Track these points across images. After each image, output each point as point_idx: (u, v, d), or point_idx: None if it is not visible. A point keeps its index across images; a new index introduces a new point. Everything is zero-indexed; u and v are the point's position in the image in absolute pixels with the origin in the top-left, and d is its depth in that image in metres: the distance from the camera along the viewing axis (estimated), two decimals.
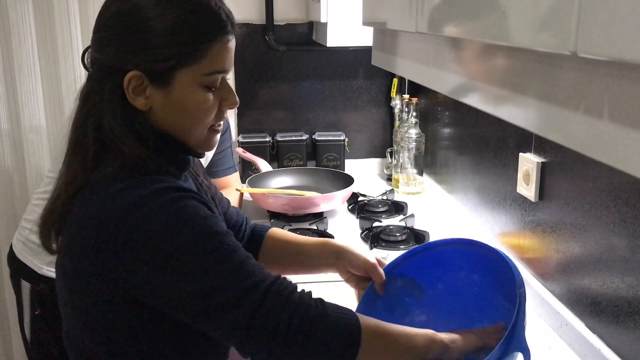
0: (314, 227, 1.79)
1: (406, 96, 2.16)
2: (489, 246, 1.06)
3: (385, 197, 2.07)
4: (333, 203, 1.90)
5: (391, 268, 1.15)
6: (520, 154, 1.41)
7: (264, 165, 2.11)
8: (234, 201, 1.76)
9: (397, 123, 2.25)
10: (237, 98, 1.00)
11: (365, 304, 1.12)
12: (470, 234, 1.60)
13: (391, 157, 2.26)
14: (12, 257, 1.64)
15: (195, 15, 0.92)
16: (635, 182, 1.02)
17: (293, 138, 2.32)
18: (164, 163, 0.94)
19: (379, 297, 1.13)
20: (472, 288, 1.10)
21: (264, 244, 1.23)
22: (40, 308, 1.58)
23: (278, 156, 2.31)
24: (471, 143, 1.78)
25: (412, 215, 1.85)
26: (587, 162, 1.16)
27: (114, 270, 0.86)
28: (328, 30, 1.94)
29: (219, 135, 1.03)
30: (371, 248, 1.66)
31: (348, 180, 1.98)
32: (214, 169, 1.79)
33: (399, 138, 2.14)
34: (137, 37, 0.90)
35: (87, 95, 0.95)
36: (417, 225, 1.81)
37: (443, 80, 1.05)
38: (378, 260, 1.15)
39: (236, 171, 1.88)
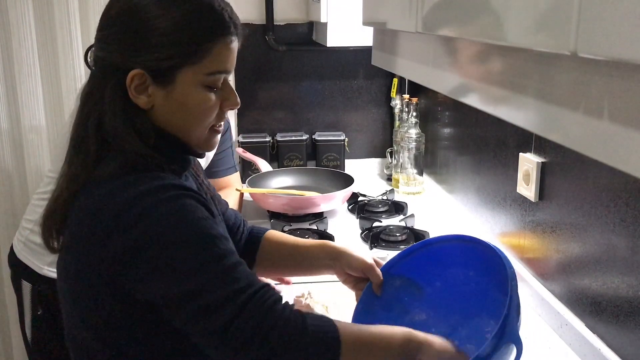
0: (314, 227, 1.79)
1: (406, 96, 2.16)
2: (483, 241, 1.06)
3: (385, 197, 2.07)
4: (333, 203, 1.90)
5: (388, 268, 1.15)
6: (520, 154, 1.41)
7: (264, 165, 2.11)
8: (234, 201, 1.77)
9: (397, 123, 2.25)
10: (239, 99, 1.00)
11: (364, 305, 1.12)
12: (470, 234, 1.59)
13: (391, 157, 2.26)
14: (12, 258, 1.64)
15: (198, 15, 0.92)
16: (635, 182, 1.02)
17: (293, 138, 2.32)
18: (164, 161, 0.94)
19: (377, 298, 1.13)
20: (469, 284, 1.10)
21: (261, 246, 1.24)
22: (41, 308, 1.58)
23: (278, 156, 2.31)
24: (471, 143, 1.78)
25: (412, 215, 1.85)
26: (587, 162, 1.16)
27: (112, 266, 0.87)
28: (328, 30, 1.94)
29: (219, 136, 1.03)
30: (371, 248, 1.66)
31: (348, 180, 1.98)
32: (215, 169, 1.79)
33: (399, 138, 2.14)
34: (140, 36, 0.91)
35: (89, 94, 0.95)
36: (417, 225, 1.81)
37: (443, 80, 1.05)
38: (375, 261, 1.15)
39: (237, 171, 1.88)
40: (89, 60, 0.98)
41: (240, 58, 1.00)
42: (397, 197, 2.09)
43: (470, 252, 1.08)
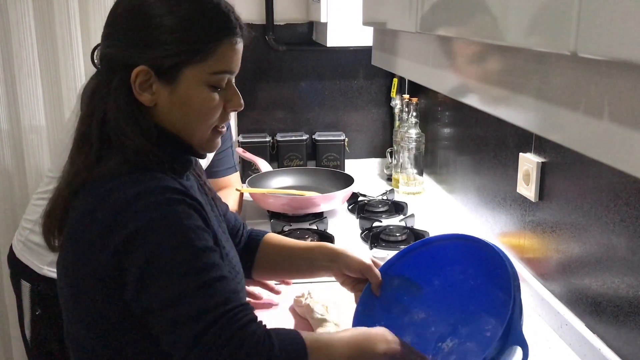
0: (314, 227, 1.79)
1: (406, 96, 2.16)
2: (481, 239, 1.06)
3: (385, 197, 2.07)
4: (333, 203, 1.90)
5: (386, 268, 1.15)
6: (520, 154, 1.41)
7: (264, 165, 2.11)
8: (234, 201, 1.77)
9: (397, 123, 2.25)
10: (242, 101, 1.00)
11: (363, 306, 1.12)
12: (470, 234, 1.59)
13: (391, 157, 2.26)
14: (12, 258, 1.64)
15: (205, 14, 0.93)
16: (635, 182, 1.02)
17: (293, 138, 2.32)
18: (165, 160, 0.94)
19: (376, 298, 1.13)
20: (468, 282, 1.10)
21: (260, 249, 1.24)
22: (40, 308, 1.58)
23: (278, 156, 2.31)
24: (471, 143, 1.78)
25: (412, 215, 1.85)
26: (587, 162, 1.16)
27: (105, 266, 0.87)
28: (328, 30, 1.94)
29: (220, 138, 1.03)
30: (371, 248, 1.66)
31: (348, 180, 1.98)
32: (215, 169, 1.79)
33: (399, 138, 2.14)
34: (146, 33, 0.92)
35: (95, 91, 0.96)
36: (417, 225, 1.81)
37: (443, 80, 1.05)
38: (373, 261, 1.15)
39: (237, 171, 1.88)
40: (95, 59, 0.99)
41: (241, 58, 1.00)
42: (397, 197, 2.09)
43: (468, 250, 1.09)
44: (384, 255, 1.53)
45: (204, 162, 1.71)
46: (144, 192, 0.87)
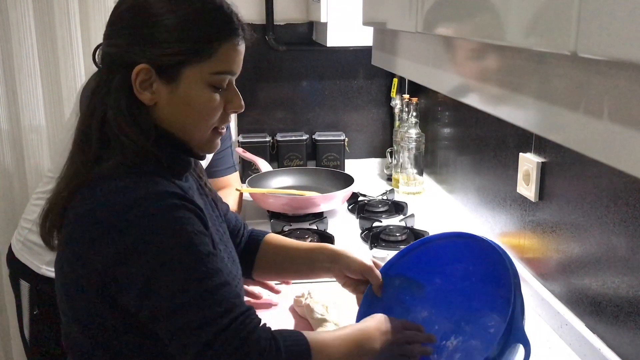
0: (314, 227, 1.79)
1: (406, 96, 2.16)
2: (481, 237, 1.06)
3: (385, 197, 2.07)
4: (333, 203, 1.90)
5: (387, 268, 1.15)
6: (520, 154, 1.41)
7: (264, 165, 2.11)
8: (234, 201, 1.77)
9: (397, 123, 2.25)
10: (243, 103, 1.00)
11: (366, 308, 1.12)
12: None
13: (391, 157, 2.25)
14: (10, 257, 1.64)
15: (207, 14, 0.93)
16: (635, 182, 1.02)
17: (293, 138, 2.32)
18: (164, 160, 0.94)
19: (378, 300, 1.13)
20: (469, 279, 1.10)
21: (260, 249, 1.24)
22: (39, 308, 1.58)
23: (278, 156, 2.31)
24: (471, 143, 1.78)
25: (412, 215, 1.85)
26: (587, 162, 1.16)
27: (101, 271, 0.87)
28: (328, 30, 1.94)
29: (220, 139, 1.03)
30: (371, 248, 1.66)
31: (348, 180, 1.98)
32: (214, 169, 1.79)
33: (399, 138, 2.14)
34: (148, 31, 0.91)
35: (95, 89, 0.96)
36: (417, 225, 1.81)
37: (443, 80, 1.05)
38: (374, 262, 1.15)
39: (236, 171, 1.88)
40: (97, 58, 0.99)
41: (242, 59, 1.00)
42: (397, 197, 2.09)
43: (468, 248, 1.09)
44: (384, 255, 1.53)
45: (204, 162, 1.71)
46: (143, 197, 0.87)
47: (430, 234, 1.70)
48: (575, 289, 1.22)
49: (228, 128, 1.85)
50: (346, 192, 1.92)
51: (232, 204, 1.74)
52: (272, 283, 1.37)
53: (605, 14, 0.50)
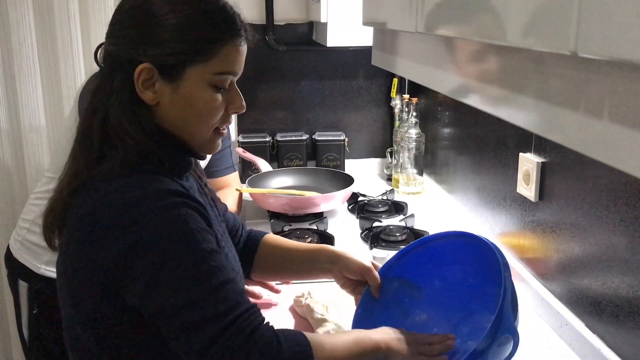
0: (314, 227, 1.79)
1: (406, 96, 2.16)
2: (476, 235, 1.06)
3: (385, 197, 2.07)
4: (333, 203, 1.90)
5: (385, 270, 1.15)
6: (520, 154, 1.41)
7: (264, 165, 2.11)
8: (233, 201, 1.77)
9: (397, 123, 2.25)
10: (244, 103, 1.00)
11: (363, 309, 1.12)
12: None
13: (391, 157, 2.26)
14: (9, 257, 1.64)
15: (210, 14, 0.94)
16: (635, 182, 1.02)
17: (293, 138, 2.32)
18: (166, 160, 0.94)
19: (376, 301, 1.13)
20: (467, 280, 1.10)
21: (259, 250, 1.24)
22: (38, 308, 1.58)
23: (278, 156, 2.31)
24: (471, 143, 1.78)
25: (412, 215, 1.85)
26: (587, 162, 1.16)
27: (105, 269, 0.87)
28: (328, 30, 1.94)
29: (220, 140, 1.04)
30: (371, 248, 1.66)
31: (348, 180, 1.98)
32: (213, 169, 1.79)
33: (399, 138, 2.14)
34: (151, 30, 0.92)
35: (97, 88, 0.96)
36: (417, 226, 1.81)
37: (443, 80, 1.05)
38: (373, 264, 1.15)
39: (235, 171, 1.88)
40: (98, 58, 0.99)
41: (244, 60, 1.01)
42: (397, 197, 2.09)
43: (465, 247, 1.09)
44: (384, 255, 1.53)
45: (203, 162, 1.71)
46: (145, 195, 0.87)
47: (430, 234, 1.71)
48: (575, 289, 1.22)
49: (227, 128, 1.85)
50: (346, 192, 1.92)
51: (232, 204, 1.74)
52: (272, 283, 1.37)
53: (605, 14, 0.50)
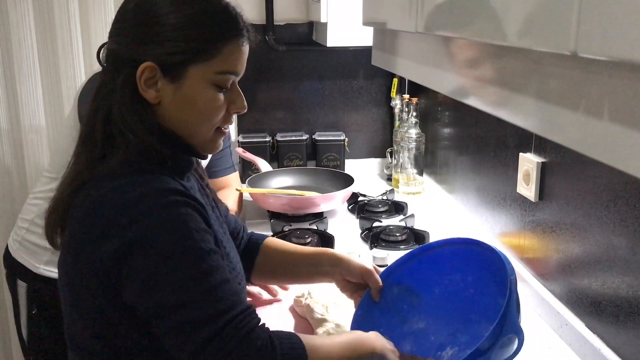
0: (314, 227, 1.79)
1: (406, 96, 2.16)
2: (482, 242, 1.06)
3: (385, 197, 2.07)
4: (333, 203, 1.90)
5: (387, 275, 1.15)
6: (520, 154, 1.41)
7: (264, 165, 2.11)
8: (234, 201, 1.76)
9: (397, 123, 2.25)
10: (246, 103, 1.01)
11: (362, 311, 1.12)
12: (470, 234, 1.59)
13: (391, 157, 2.26)
14: (7, 257, 1.64)
15: (213, 14, 0.94)
16: (635, 182, 1.02)
17: (293, 138, 2.32)
18: (167, 159, 0.94)
19: (375, 304, 1.13)
20: (468, 290, 1.10)
21: (260, 253, 1.24)
22: (36, 308, 1.57)
23: (278, 156, 2.31)
24: (471, 143, 1.78)
25: (412, 215, 1.85)
26: (587, 162, 1.16)
27: (105, 267, 0.87)
28: (328, 30, 1.94)
29: (222, 140, 1.04)
30: (371, 248, 1.66)
31: (348, 180, 1.98)
32: (214, 169, 1.79)
33: (399, 138, 2.14)
34: (154, 28, 0.92)
35: (100, 87, 0.96)
36: (417, 225, 1.81)
37: (443, 80, 1.05)
38: (374, 268, 1.16)
39: (235, 171, 1.88)
40: (101, 57, 0.99)
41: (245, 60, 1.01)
42: (397, 197, 2.09)
43: (469, 255, 1.08)
44: (384, 255, 1.53)
45: (203, 162, 1.71)
46: (145, 193, 0.87)
47: (431, 234, 1.71)
48: (575, 289, 1.22)
49: (227, 128, 1.85)
50: (346, 192, 1.92)
51: (232, 204, 1.74)
52: (272, 286, 1.38)
53: (605, 14, 0.50)
